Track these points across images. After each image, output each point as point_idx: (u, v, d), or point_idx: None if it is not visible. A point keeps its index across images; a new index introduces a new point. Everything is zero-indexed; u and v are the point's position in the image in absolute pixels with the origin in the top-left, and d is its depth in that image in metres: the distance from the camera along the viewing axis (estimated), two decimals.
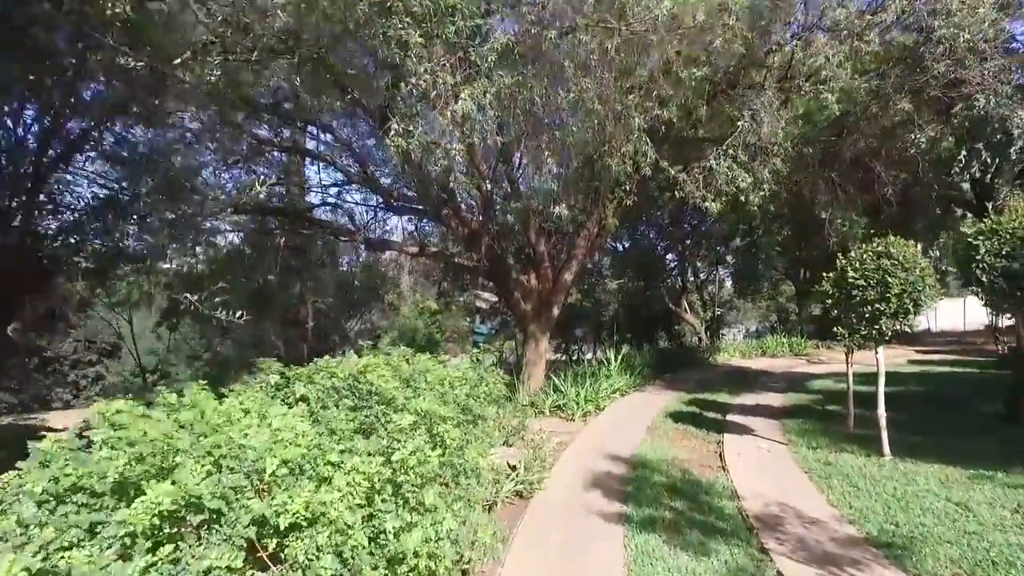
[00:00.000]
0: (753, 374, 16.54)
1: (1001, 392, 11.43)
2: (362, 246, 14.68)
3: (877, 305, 7.10)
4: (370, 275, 33.43)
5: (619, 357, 14.58)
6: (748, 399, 12.33)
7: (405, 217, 16.09)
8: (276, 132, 13.34)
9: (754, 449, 8.55)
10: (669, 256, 25.75)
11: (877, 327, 7.23)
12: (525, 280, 12.71)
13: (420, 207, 11.55)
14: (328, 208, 14.92)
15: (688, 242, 22.80)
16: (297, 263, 18.59)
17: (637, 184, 9.00)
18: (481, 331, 9.18)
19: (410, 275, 24.77)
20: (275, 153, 14.25)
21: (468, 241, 11.61)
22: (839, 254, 8.30)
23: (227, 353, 37.57)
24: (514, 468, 6.82)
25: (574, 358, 26.99)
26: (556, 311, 12.67)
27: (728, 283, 35.77)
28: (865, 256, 7.30)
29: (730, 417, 10.56)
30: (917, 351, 22.02)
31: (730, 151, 7.93)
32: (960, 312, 36.39)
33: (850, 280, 7.31)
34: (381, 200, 11.95)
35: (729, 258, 22.90)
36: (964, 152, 8.27)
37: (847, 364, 9.47)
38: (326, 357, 4.96)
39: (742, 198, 8.41)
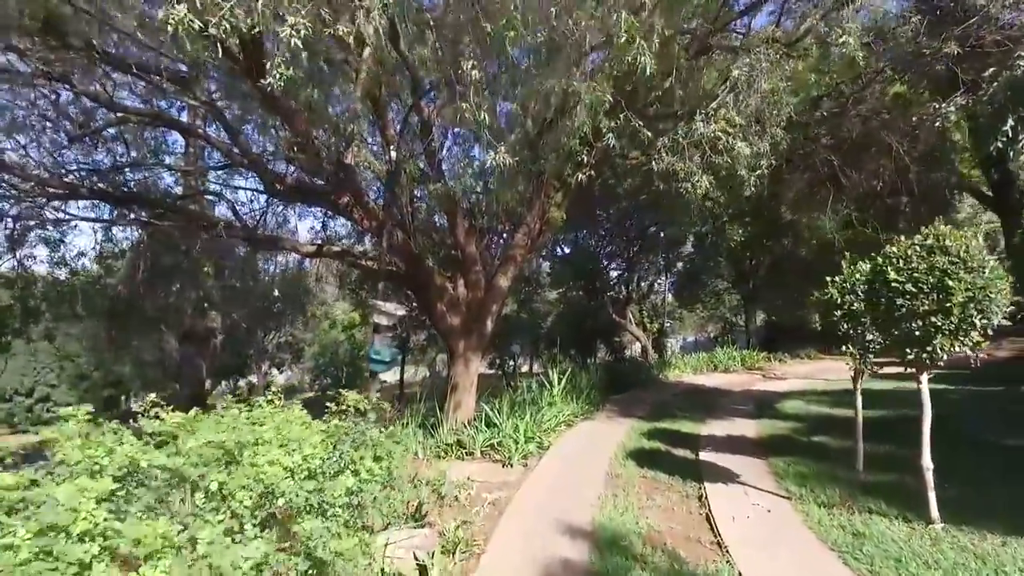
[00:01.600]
0: (711, 394, 14.73)
1: (1006, 418, 10.00)
2: (244, 244, 11.93)
3: (932, 318, 5.13)
4: (284, 281, 30.78)
5: (563, 378, 12.42)
6: (717, 428, 10.38)
7: (309, 211, 13.49)
8: (145, 100, 10.56)
9: (749, 507, 6.49)
10: (613, 264, 24.00)
11: (929, 349, 5.26)
12: (451, 287, 10.37)
13: (315, 193, 9.01)
14: (214, 199, 12.14)
15: (634, 248, 21.01)
16: (181, 265, 15.71)
17: (597, 158, 6.85)
18: (380, 357, 6.59)
19: (319, 281, 22.01)
20: (147, 129, 11.41)
21: (379, 237, 9.20)
22: (845, 255, 6.51)
23: (122, 372, 33.49)
24: (424, 571, 4.43)
25: (510, 371, 24.82)
26: (490, 324, 10.37)
27: (669, 295, 34.53)
28: (911, 252, 5.34)
29: (704, 456, 8.53)
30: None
31: (721, 111, 5.91)
32: None
33: (893, 285, 5.32)
34: (264, 185, 9.26)
35: (680, 264, 21.32)
36: (1011, 122, 6.63)
37: (855, 389, 7.56)
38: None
39: (741, 172, 6.40)
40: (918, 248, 5.34)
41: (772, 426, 10.31)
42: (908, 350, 5.38)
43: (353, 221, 8.86)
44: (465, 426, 9.96)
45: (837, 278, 7.00)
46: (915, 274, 5.20)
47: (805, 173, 9.91)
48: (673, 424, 10.83)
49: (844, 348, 6.94)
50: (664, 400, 13.64)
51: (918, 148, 8.56)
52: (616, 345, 30.31)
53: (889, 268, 5.39)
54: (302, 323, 35.62)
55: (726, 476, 7.51)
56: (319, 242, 9.81)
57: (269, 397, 4.76)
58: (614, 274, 24.82)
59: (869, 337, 6.70)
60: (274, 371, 40.14)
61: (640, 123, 5.65)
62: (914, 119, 7.69)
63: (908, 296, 5.22)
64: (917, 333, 5.26)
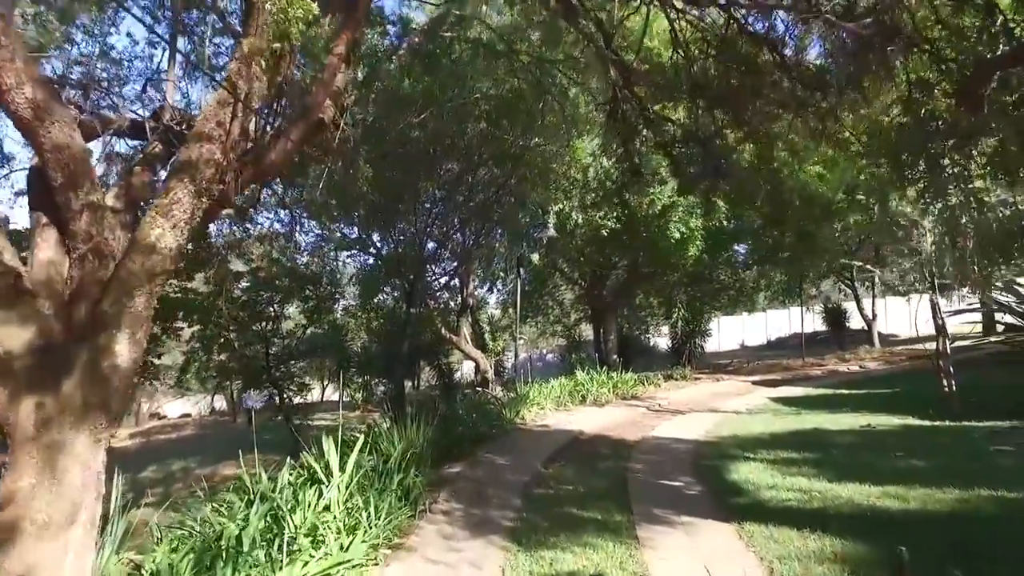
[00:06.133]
0: (604, 450, 9.29)
1: None
2: None
3: None
4: None
5: (355, 453, 6.17)
6: (674, 562, 4.81)
7: None
8: None
9: None
10: (441, 262, 18.04)
11: None
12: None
13: None
14: None
15: (471, 235, 15.19)
16: None
17: None
18: None
19: None
20: None
21: None
22: None
23: None
24: None
25: (293, 413, 17.72)
26: (128, 346, 3.77)
27: (497, 309, 29.39)
28: None
29: None
30: (755, 383, 17.21)
31: None
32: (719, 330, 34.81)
33: None
34: None
35: (535, 257, 15.90)
36: None
37: None
38: None
39: None
40: None
41: (782, 546, 4.91)
42: None
43: None
44: None
45: None
46: None
47: None
48: (581, 555, 5.05)
49: None
50: (537, 474, 7.86)
51: None
52: (444, 368, 24.51)
53: None
54: None
55: None
56: None
57: None
58: (444, 276, 18.93)
59: None
60: None
61: None
62: None
63: None
64: None
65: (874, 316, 24.84)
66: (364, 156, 9.56)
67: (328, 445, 5.99)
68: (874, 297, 26.06)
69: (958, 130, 5.31)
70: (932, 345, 10.40)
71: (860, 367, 18.91)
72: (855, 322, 28.31)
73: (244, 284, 15.97)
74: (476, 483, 7.45)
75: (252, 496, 5.23)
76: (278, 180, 12.14)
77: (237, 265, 15.90)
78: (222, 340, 14.91)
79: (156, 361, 13.21)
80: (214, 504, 5.52)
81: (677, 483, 7.13)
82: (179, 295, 11.95)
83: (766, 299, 35.45)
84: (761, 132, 6.87)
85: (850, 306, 28.72)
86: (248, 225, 13.47)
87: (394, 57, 11.52)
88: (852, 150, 6.54)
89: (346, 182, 9.81)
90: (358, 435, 8.94)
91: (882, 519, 5.29)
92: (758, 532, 5.27)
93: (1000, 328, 13.82)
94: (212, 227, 13.18)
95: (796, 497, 6.10)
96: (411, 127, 10.59)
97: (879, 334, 24.85)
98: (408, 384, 29.92)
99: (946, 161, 5.59)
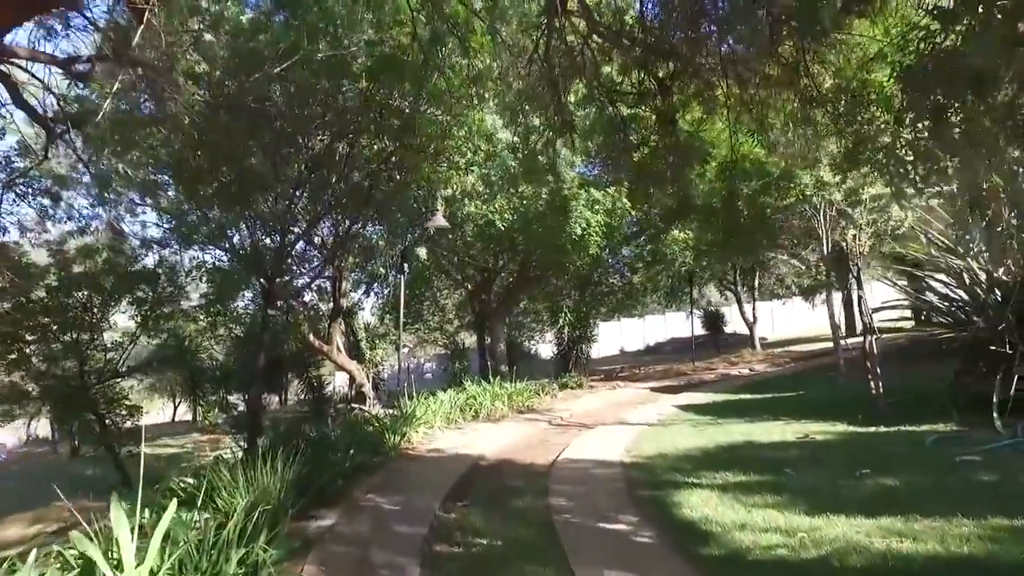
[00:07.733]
0: (510, 482, 7.60)
1: None
2: None
3: None
4: None
5: (165, 520, 3.97)
6: None
7: None
8: None
9: None
10: (307, 263, 15.53)
11: None
12: None
13: None
14: None
15: (343, 219, 12.94)
16: None
17: None
18: None
19: None
20: None
21: None
22: None
23: None
24: None
25: (115, 444, 14.41)
26: None
27: (375, 315, 27.01)
28: None
29: None
30: (654, 390, 16.37)
31: None
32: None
33: None
34: None
35: (423, 253, 13.86)
36: None
37: None
38: None
39: None
40: None
41: None
42: None
43: None
44: None
45: None
46: None
47: None
48: None
49: None
50: (437, 521, 6.02)
51: None
52: (314, 382, 21.76)
53: None
54: None
55: None
56: None
57: None
58: (310, 279, 16.39)
59: None
60: None
61: None
62: None
63: None
64: None
65: (755, 319, 25.35)
66: (191, 97, 7.16)
67: (117, 514, 3.76)
68: (755, 300, 26.67)
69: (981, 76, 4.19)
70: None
71: (750, 370, 18.81)
72: (730, 326, 29.04)
73: (50, 282, 12.64)
74: (356, 543, 5.45)
75: None
76: (89, 143, 9.37)
77: (39, 256, 12.60)
78: (14, 356, 11.55)
79: None
80: None
81: (620, 526, 5.58)
82: None
83: (644, 305, 35.65)
84: (720, 88, 5.54)
85: (727, 310, 29.40)
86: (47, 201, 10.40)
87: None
88: (829, 111, 5.41)
89: (171, 128, 7.42)
90: (189, 479, 6.69)
91: (909, 571, 4.02)
92: None
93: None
94: None
95: (781, 541, 4.73)
96: (269, 79, 8.36)
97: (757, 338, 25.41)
98: (275, 399, 26.57)
99: (954, 116, 4.51)
